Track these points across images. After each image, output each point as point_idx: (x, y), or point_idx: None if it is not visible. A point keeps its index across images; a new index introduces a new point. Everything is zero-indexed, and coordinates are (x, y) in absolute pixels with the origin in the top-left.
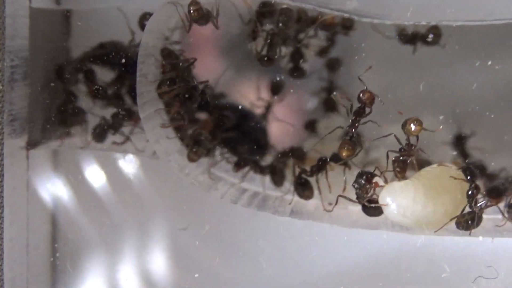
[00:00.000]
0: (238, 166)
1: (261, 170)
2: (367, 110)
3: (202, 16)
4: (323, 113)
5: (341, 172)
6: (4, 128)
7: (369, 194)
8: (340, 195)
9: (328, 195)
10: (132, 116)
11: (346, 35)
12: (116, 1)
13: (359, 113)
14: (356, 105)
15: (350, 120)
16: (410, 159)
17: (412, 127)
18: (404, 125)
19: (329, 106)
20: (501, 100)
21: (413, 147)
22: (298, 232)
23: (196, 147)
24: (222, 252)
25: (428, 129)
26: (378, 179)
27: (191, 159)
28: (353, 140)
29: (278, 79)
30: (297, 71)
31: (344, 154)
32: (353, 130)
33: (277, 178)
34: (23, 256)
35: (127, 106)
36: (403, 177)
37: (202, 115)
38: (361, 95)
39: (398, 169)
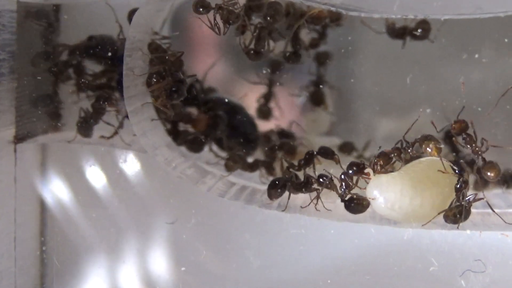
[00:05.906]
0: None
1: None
2: None
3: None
4: (311, 106)
5: (328, 166)
6: None
7: (352, 188)
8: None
9: None
10: (111, 98)
11: (337, 25)
12: None
13: None
14: None
15: None
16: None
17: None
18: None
19: (316, 99)
20: (488, 94)
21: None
22: (285, 225)
23: (232, 156)
24: (209, 245)
25: None
26: (369, 171)
27: (229, 168)
28: None
29: (264, 72)
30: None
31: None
32: None
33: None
34: (11, 249)
35: (107, 93)
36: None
37: (193, 112)
38: None
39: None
